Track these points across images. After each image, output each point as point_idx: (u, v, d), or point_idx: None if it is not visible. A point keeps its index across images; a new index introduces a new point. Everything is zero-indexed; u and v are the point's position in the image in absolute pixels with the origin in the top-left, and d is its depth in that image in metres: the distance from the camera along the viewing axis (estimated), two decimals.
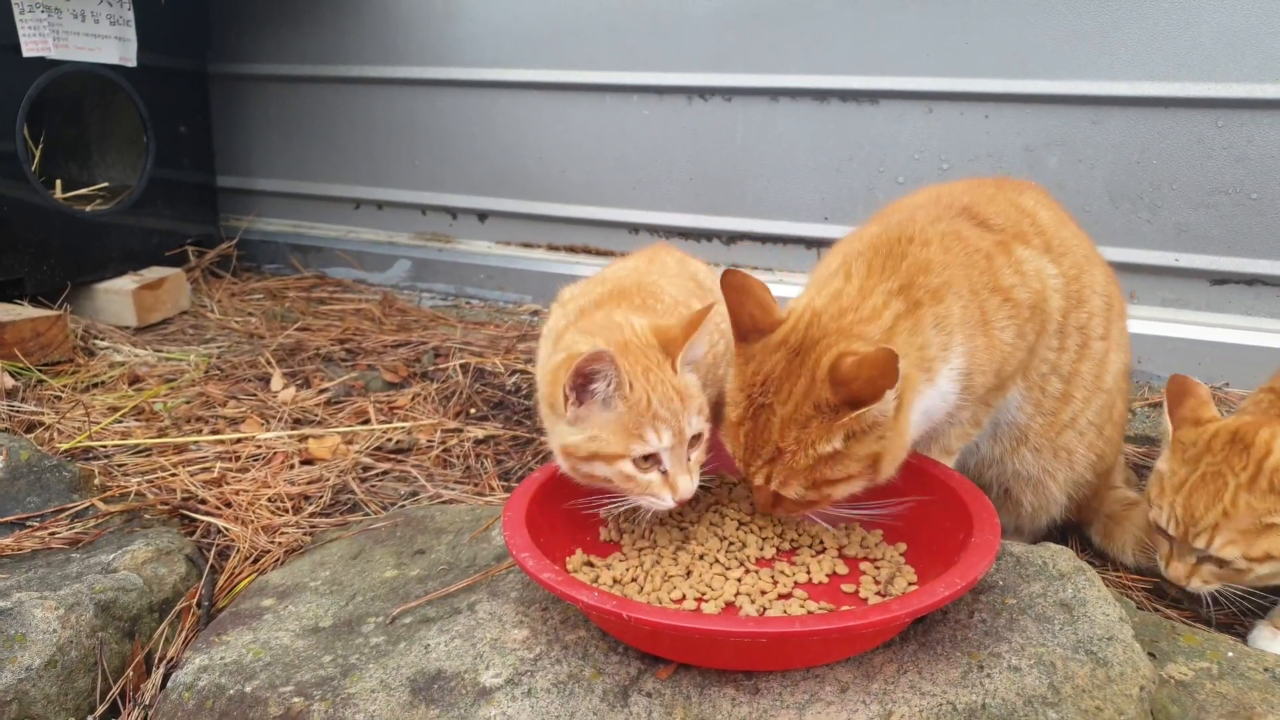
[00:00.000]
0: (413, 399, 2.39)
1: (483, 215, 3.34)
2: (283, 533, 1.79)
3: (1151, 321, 2.60)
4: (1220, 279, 2.54)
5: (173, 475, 1.92)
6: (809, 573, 1.40)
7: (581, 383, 1.31)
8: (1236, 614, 1.72)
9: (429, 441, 2.18)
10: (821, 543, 1.48)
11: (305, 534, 1.78)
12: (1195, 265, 2.55)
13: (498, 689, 1.20)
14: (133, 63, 3.04)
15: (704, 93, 2.92)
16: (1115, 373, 1.72)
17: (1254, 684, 1.36)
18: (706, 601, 1.33)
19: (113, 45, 2.96)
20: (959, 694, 1.18)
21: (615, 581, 1.37)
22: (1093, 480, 1.81)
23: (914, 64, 2.67)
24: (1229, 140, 2.42)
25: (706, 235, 3.07)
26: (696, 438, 1.38)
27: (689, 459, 1.37)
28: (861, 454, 1.31)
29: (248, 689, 1.24)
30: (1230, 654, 1.43)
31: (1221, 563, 1.49)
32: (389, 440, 2.17)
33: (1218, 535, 1.47)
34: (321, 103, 3.48)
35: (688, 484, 1.36)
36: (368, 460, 2.08)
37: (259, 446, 2.10)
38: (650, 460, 1.34)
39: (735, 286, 1.36)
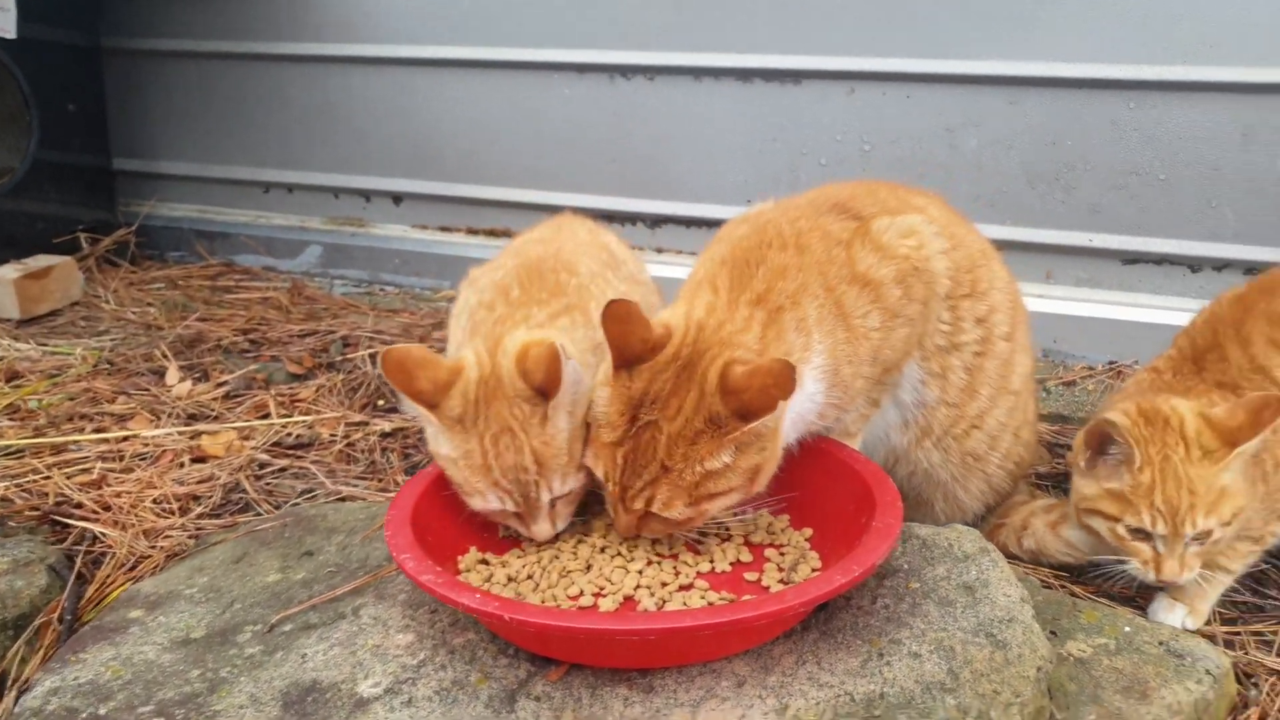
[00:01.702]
0: (317, 391, 2.29)
1: (398, 198, 3.23)
2: (166, 536, 1.69)
3: (1066, 301, 2.62)
4: (1131, 258, 2.57)
5: (46, 478, 1.80)
6: (712, 561, 1.36)
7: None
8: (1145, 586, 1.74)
9: (332, 436, 2.09)
10: (727, 530, 1.44)
11: (191, 537, 1.68)
12: (1108, 245, 2.57)
13: (375, 699, 1.13)
14: (11, 34, 2.85)
15: (626, 71, 2.85)
16: (1022, 374, 1.71)
17: (1148, 658, 1.37)
18: (604, 597, 1.28)
19: None
20: (857, 684, 1.15)
21: (510, 580, 1.31)
22: (1009, 490, 1.80)
23: (836, 43, 2.63)
24: (1140, 122, 2.43)
25: (630, 219, 3.01)
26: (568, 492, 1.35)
27: (551, 506, 1.34)
28: (746, 466, 1.28)
29: (102, 711, 1.15)
30: (1127, 629, 1.44)
31: (1202, 538, 1.47)
32: (289, 435, 2.08)
33: (1197, 514, 1.45)
34: (228, 81, 3.32)
35: (543, 529, 1.34)
36: (264, 457, 1.98)
37: (146, 445, 1.99)
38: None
39: (619, 317, 1.28)
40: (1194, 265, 2.52)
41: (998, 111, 2.53)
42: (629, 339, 1.28)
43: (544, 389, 1.28)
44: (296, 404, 2.23)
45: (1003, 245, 2.63)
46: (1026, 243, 2.61)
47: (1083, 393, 2.49)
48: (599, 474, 1.31)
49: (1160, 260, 2.54)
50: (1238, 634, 1.59)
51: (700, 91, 2.79)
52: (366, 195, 3.28)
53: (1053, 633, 1.42)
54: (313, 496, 1.84)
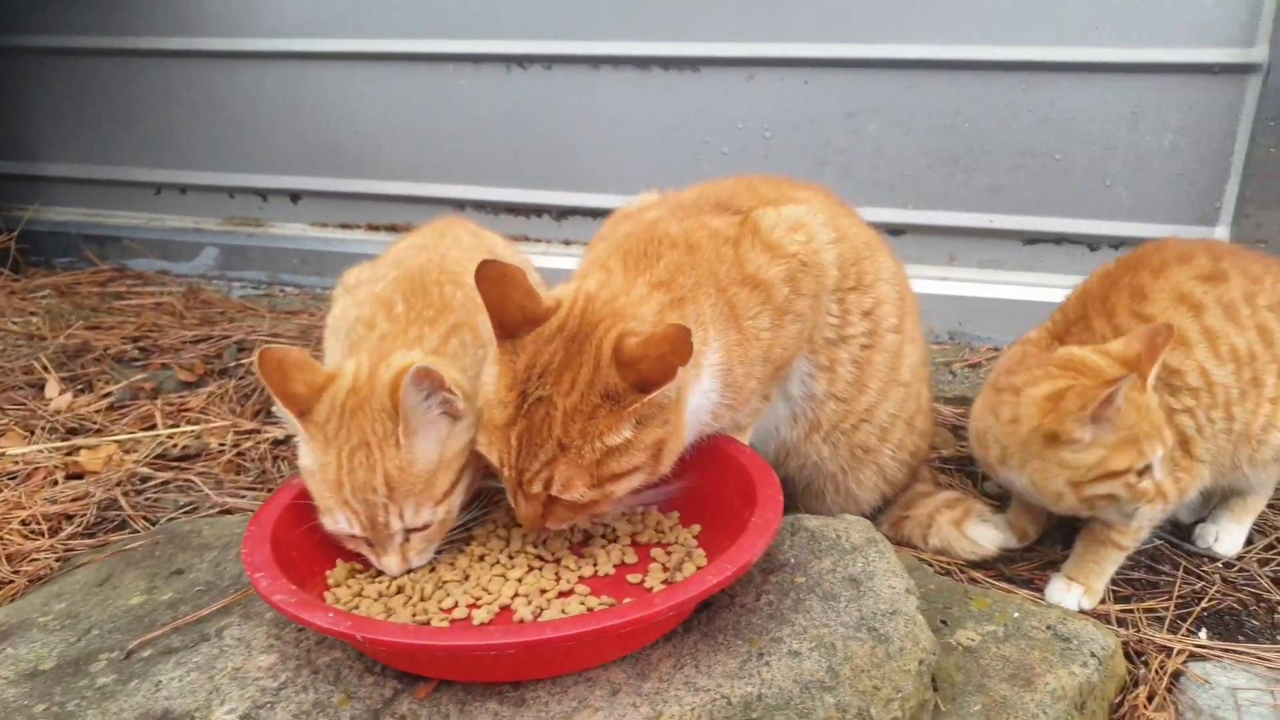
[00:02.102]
0: (207, 399, 2.20)
1: (295, 196, 3.13)
2: (32, 560, 1.60)
3: (971, 283, 2.65)
4: (1032, 238, 2.60)
5: None
6: (595, 565, 1.33)
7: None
8: (1040, 569, 1.76)
9: (221, 445, 2.01)
10: (614, 530, 1.40)
11: (59, 559, 1.60)
12: (1009, 226, 2.60)
13: None
14: None
15: (522, 61, 2.79)
16: (912, 365, 1.71)
17: (1036, 643, 1.37)
18: (479, 608, 1.24)
19: None
20: (735, 686, 1.13)
21: (380, 595, 1.26)
22: (905, 480, 1.80)
23: (734, 29, 2.61)
24: (1034, 103, 2.46)
25: (536, 210, 2.96)
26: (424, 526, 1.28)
27: (405, 540, 1.28)
28: (648, 441, 1.22)
29: None
30: (1016, 614, 1.44)
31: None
32: (174, 446, 1.99)
33: (1165, 431, 1.49)
34: (112, 79, 3.18)
35: (392, 565, 1.27)
36: (146, 471, 1.89)
37: (17, 463, 1.88)
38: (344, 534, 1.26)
39: (494, 279, 1.21)
40: (1092, 244, 2.56)
41: (896, 95, 2.53)
42: (507, 304, 1.22)
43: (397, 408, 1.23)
44: (185, 413, 2.14)
45: (906, 229, 2.68)
46: (930, 226, 2.63)
47: (988, 374, 2.52)
48: (493, 460, 1.23)
49: (1059, 239, 2.58)
50: (1131, 611, 1.62)
51: (599, 81, 2.75)
52: (263, 194, 3.18)
53: (943, 621, 1.42)
54: (194, 510, 1.77)
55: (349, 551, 1.32)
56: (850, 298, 1.58)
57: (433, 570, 1.31)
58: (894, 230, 2.64)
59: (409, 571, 1.29)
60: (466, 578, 1.29)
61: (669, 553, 1.37)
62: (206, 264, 3.16)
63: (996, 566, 1.76)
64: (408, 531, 1.26)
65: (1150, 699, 1.42)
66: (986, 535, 1.70)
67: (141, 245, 3.22)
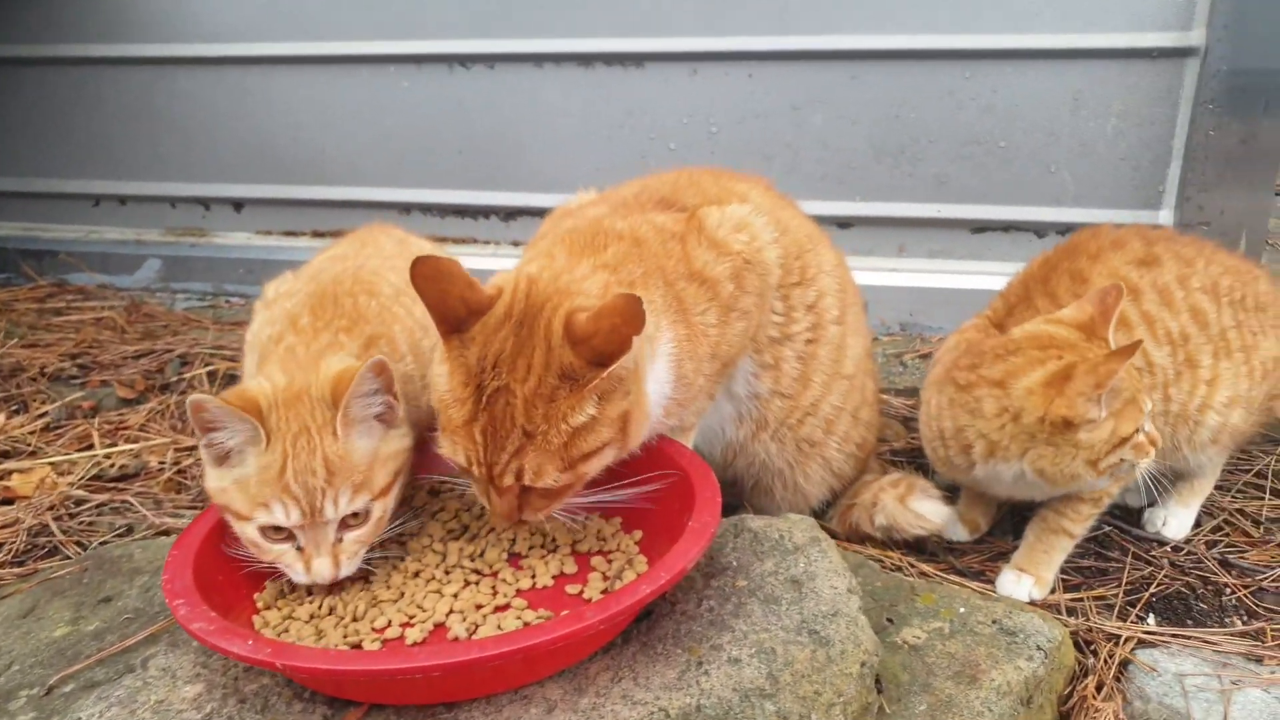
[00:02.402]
0: (148, 416, 2.15)
1: (238, 204, 3.07)
2: None
3: (920, 274, 2.65)
4: (980, 227, 2.61)
5: None
6: (534, 577, 1.31)
7: (203, 431, 1.18)
8: (990, 560, 1.76)
9: (161, 464, 1.96)
10: (554, 541, 1.38)
11: None
12: (957, 215, 2.60)
13: None
14: None
15: (465, 60, 2.75)
16: (855, 357, 1.70)
17: (981, 639, 1.37)
18: (413, 626, 1.21)
19: None
20: (673, 698, 1.11)
21: (312, 616, 1.23)
22: (853, 474, 1.79)
23: (676, 23, 2.59)
24: (976, 91, 2.46)
25: (483, 212, 2.92)
26: (356, 514, 1.24)
27: (338, 539, 1.24)
28: (613, 416, 1.20)
29: None
30: (963, 610, 1.44)
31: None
32: (111, 466, 1.94)
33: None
34: (46, 87, 3.09)
35: (323, 568, 1.22)
36: (81, 493, 1.84)
37: None
38: (283, 531, 1.21)
39: (431, 275, 1.18)
40: (1039, 230, 2.57)
41: (840, 87, 2.53)
42: (448, 299, 1.19)
43: (338, 400, 1.21)
44: (123, 431, 2.09)
45: (855, 221, 2.67)
46: (878, 217, 2.63)
47: (932, 371, 2.52)
48: (460, 461, 1.20)
49: (1007, 227, 2.59)
50: (1081, 600, 1.62)
51: (543, 78, 2.72)
52: (205, 203, 3.11)
53: (889, 620, 1.42)
54: (130, 533, 1.72)
55: (279, 572, 1.29)
56: (795, 293, 1.57)
57: (367, 588, 1.28)
58: (842, 223, 2.64)
59: (336, 585, 1.26)
60: (401, 595, 1.27)
61: (609, 560, 1.34)
62: (149, 276, 3.09)
63: (947, 559, 1.76)
64: (341, 527, 1.23)
65: (1099, 689, 1.42)
66: (932, 509, 1.70)
67: (81, 259, 3.14)
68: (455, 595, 1.26)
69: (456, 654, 1.00)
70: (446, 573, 1.31)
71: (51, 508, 1.78)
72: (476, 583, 1.30)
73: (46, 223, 3.23)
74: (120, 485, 1.89)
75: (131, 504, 1.82)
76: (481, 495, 1.24)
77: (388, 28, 2.76)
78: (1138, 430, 1.46)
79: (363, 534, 1.25)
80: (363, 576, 1.32)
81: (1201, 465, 1.74)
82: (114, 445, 2.03)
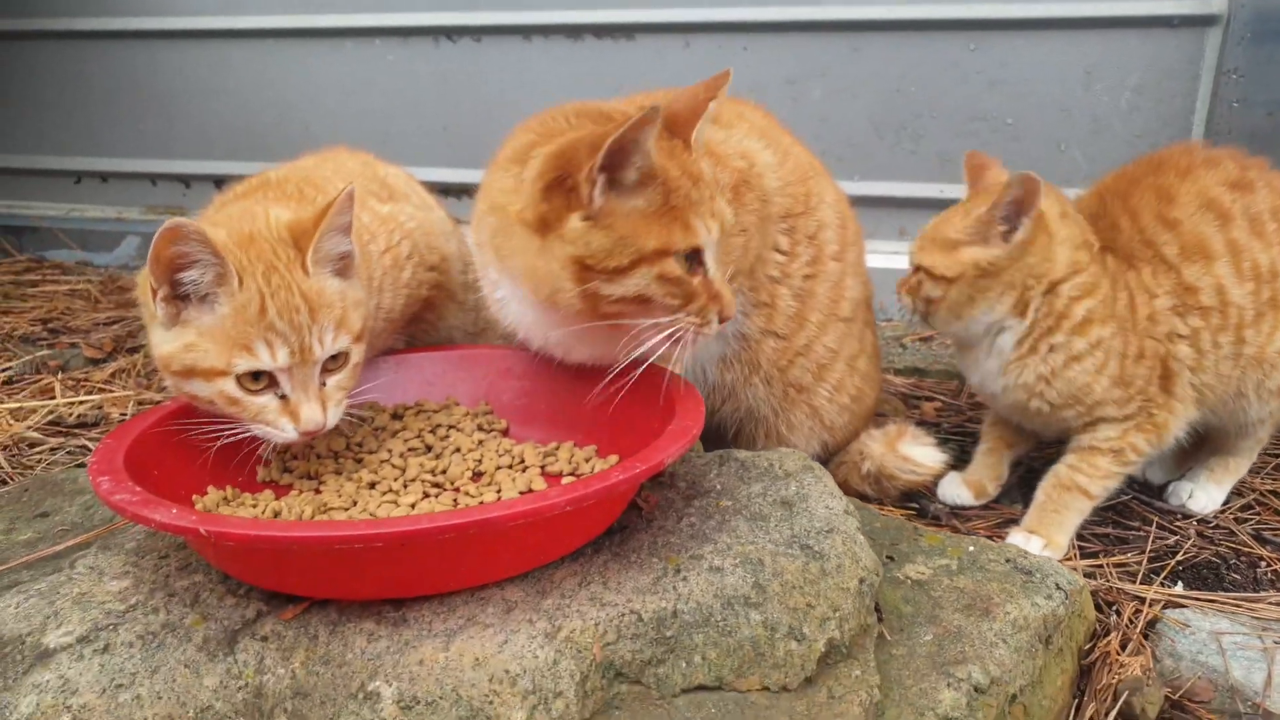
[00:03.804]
0: (113, 374, 2.06)
1: (219, 181, 2.97)
2: None
3: None
4: None
5: None
6: (499, 492, 1.19)
7: (167, 271, 1.06)
8: (997, 526, 1.64)
9: (121, 415, 1.86)
10: (523, 461, 1.28)
11: None
12: (960, 196, 2.51)
13: (63, 649, 0.94)
14: None
15: (451, 33, 2.69)
16: (854, 300, 1.61)
17: (993, 575, 1.25)
18: None
19: None
20: (647, 601, 1.00)
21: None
22: (848, 429, 1.67)
23: None
24: (983, 64, 2.40)
25: (469, 191, 2.83)
26: (336, 358, 1.16)
27: (323, 384, 1.15)
28: None
29: None
30: (972, 548, 1.32)
31: None
32: (70, 414, 1.84)
33: None
34: (23, 62, 3.04)
35: (313, 413, 1.12)
36: (35, 435, 1.74)
37: None
38: (262, 381, 1.10)
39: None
40: None
41: (840, 59, 2.47)
42: None
43: (305, 234, 1.14)
44: (85, 385, 1.99)
45: (855, 201, 2.55)
46: (878, 197, 2.55)
47: (940, 347, 2.43)
48: None
49: None
50: (1100, 566, 1.51)
51: (531, 51, 2.66)
52: (186, 180, 3.04)
53: (889, 557, 1.30)
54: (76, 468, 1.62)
55: (220, 476, 1.18)
56: (799, 223, 1.50)
57: (318, 495, 1.18)
58: None
59: (282, 490, 1.18)
60: (354, 504, 1.16)
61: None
62: (128, 254, 3.01)
63: (950, 524, 1.64)
64: (322, 372, 1.15)
65: (1124, 646, 1.30)
66: (923, 454, 1.59)
67: (62, 235, 3.07)
68: (412, 506, 1.15)
69: (401, 525, 0.89)
70: (405, 485, 1.21)
71: (5, 447, 1.67)
72: (436, 495, 1.19)
73: (26, 199, 3.16)
74: (77, 431, 1.79)
75: (87, 448, 1.72)
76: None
77: (373, 0, 2.72)
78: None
79: (343, 379, 1.17)
80: (313, 488, 1.22)
81: (1261, 420, 1.59)
82: (75, 397, 1.93)
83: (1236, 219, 1.50)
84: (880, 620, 1.14)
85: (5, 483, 1.58)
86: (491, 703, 0.88)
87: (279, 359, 1.09)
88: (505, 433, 1.39)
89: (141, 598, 1.01)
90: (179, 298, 1.09)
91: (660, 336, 1.17)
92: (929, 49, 2.41)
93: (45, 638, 0.95)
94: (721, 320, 1.21)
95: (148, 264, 1.06)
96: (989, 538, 1.57)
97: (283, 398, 1.12)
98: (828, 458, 1.68)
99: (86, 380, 2.02)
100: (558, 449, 1.30)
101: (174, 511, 0.90)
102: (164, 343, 1.11)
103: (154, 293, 1.08)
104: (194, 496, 1.14)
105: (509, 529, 0.94)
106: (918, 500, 1.68)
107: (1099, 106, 2.36)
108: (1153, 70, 2.29)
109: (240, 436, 1.14)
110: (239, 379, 1.09)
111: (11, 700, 0.88)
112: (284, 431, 1.12)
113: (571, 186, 1.12)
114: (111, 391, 1.96)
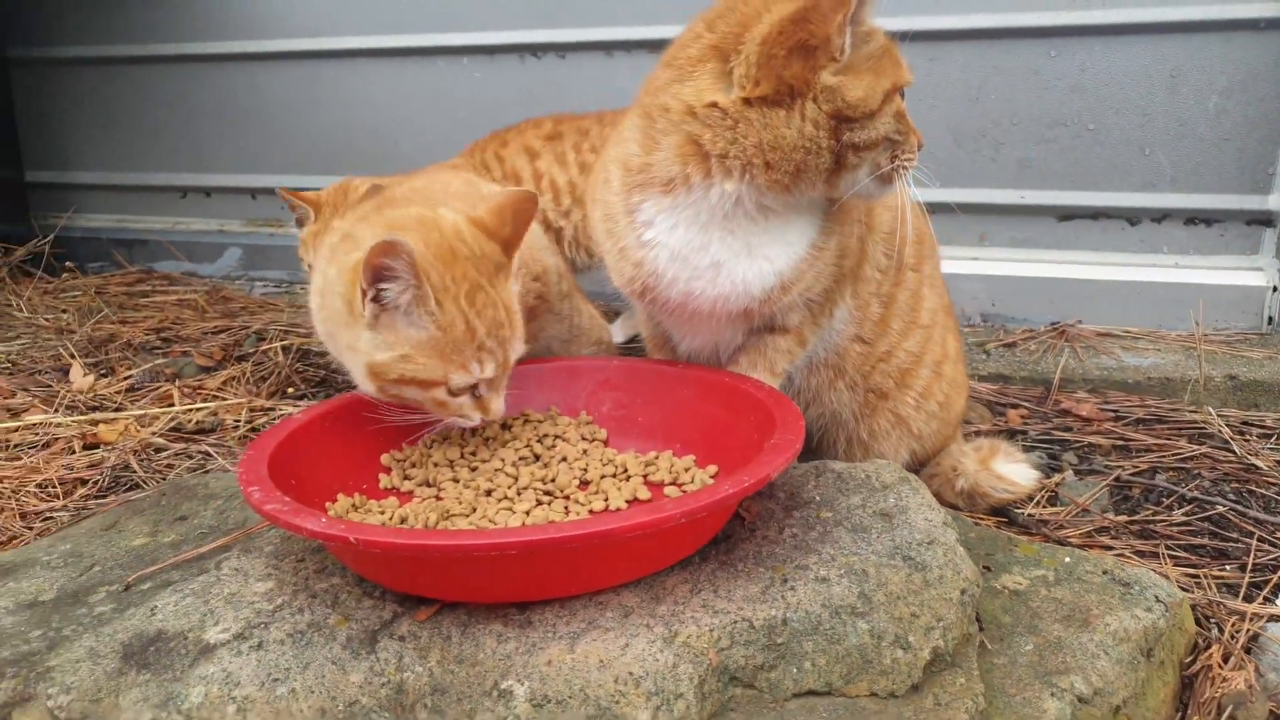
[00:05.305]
0: (225, 382, 2.18)
1: None
2: (46, 518, 1.57)
3: (1003, 262, 2.57)
4: (1067, 214, 2.52)
5: None
6: (606, 500, 1.26)
7: (372, 279, 1.17)
8: (1089, 535, 1.65)
9: (236, 421, 1.98)
10: (626, 471, 1.34)
11: (72, 517, 1.57)
12: (1041, 201, 2.52)
13: (223, 645, 1.02)
14: None
15: (536, 50, 2.78)
16: (931, 309, 1.63)
17: (1091, 587, 1.27)
18: None
19: None
20: (757, 609, 1.05)
21: (383, 524, 1.20)
22: (937, 438, 1.69)
23: None
24: (1063, 70, 2.39)
25: None
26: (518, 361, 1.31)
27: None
28: None
29: None
30: (1068, 559, 1.34)
31: None
32: (190, 421, 1.96)
33: None
34: (136, 85, 3.23)
35: (500, 407, 1.30)
36: (160, 441, 1.86)
37: (37, 433, 1.86)
38: (468, 387, 1.25)
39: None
40: (1131, 217, 2.47)
41: (919, 69, 2.40)
42: None
43: (509, 240, 1.26)
44: (201, 392, 2.11)
45: (934, 209, 2.57)
46: (958, 204, 2.55)
47: (1024, 353, 2.43)
48: None
49: (1096, 214, 2.49)
50: (1196, 578, 1.50)
51: (614, 67, 2.73)
52: None
53: (986, 568, 1.33)
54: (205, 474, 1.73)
55: (350, 485, 1.27)
56: (893, 240, 1.53)
57: (438, 500, 1.25)
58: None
59: (406, 497, 1.28)
60: (474, 510, 1.23)
61: (684, 491, 1.29)
62: (230, 264, 3.17)
63: (1041, 531, 1.65)
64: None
65: (1225, 659, 1.30)
66: (1017, 471, 1.60)
67: (168, 248, 3.24)
68: (527, 513, 1.22)
69: (536, 534, 0.96)
70: (518, 492, 1.28)
71: (135, 452, 1.79)
72: (549, 503, 1.26)
73: (137, 214, 3.35)
74: (197, 438, 1.91)
75: (209, 453, 1.83)
76: None
77: (461, 19, 2.81)
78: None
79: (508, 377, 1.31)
80: (433, 495, 1.30)
81: None
82: (192, 404, 2.05)
83: None
84: (980, 629, 1.17)
85: (139, 486, 1.70)
86: (618, 702, 0.94)
87: (487, 372, 1.24)
88: (605, 443, 1.45)
89: (286, 599, 1.09)
90: (377, 301, 1.20)
91: (875, 175, 1.28)
92: (1008, 56, 2.41)
93: (205, 634, 1.04)
94: (920, 146, 1.30)
95: (360, 269, 1.16)
96: (1080, 547, 1.59)
97: (477, 396, 1.26)
98: (917, 466, 1.70)
99: (201, 388, 2.15)
100: (658, 458, 1.36)
101: (323, 521, 0.98)
102: (375, 351, 1.22)
103: (364, 294, 1.18)
104: (326, 503, 1.22)
105: (629, 539, 1.00)
106: (1005, 510, 1.70)
107: (1184, 110, 2.33)
108: (1240, 73, 2.26)
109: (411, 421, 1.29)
110: (453, 389, 1.23)
111: (182, 690, 0.96)
112: (472, 420, 1.29)
113: (813, 46, 1.17)
114: (225, 399, 2.07)
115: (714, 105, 1.23)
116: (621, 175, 1.34)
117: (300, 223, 2.11)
